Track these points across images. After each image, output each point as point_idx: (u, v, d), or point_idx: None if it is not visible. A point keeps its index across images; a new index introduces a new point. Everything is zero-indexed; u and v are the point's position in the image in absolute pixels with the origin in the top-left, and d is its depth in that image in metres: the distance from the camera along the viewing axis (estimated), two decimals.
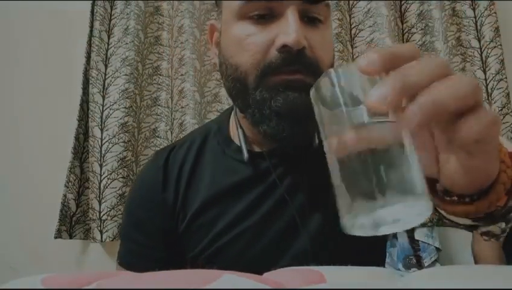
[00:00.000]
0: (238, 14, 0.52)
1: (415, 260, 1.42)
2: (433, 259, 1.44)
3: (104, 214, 1.47)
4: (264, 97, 0.51)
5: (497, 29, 1.53)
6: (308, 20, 0.52)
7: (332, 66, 0.56)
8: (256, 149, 0.61)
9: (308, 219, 0.58)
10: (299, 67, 0.50)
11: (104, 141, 1.51)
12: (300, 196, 0.59)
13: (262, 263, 0.59)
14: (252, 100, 0.52)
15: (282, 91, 0.50)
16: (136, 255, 0.66)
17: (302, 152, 0.58)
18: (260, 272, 0.52)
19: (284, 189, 0.58)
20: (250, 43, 0.51)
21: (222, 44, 0.57)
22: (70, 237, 1.51)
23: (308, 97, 0.44)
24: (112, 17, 1.63)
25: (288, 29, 0.48)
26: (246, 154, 0.58)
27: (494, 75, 1.51)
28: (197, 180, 0.62)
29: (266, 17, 0.51)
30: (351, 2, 1.65)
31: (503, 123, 1.47)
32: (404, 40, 1.63)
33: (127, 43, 1.59)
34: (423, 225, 1.48)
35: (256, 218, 0.58)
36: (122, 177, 1.49)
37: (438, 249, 1.46)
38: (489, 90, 1.51)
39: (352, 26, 1.63)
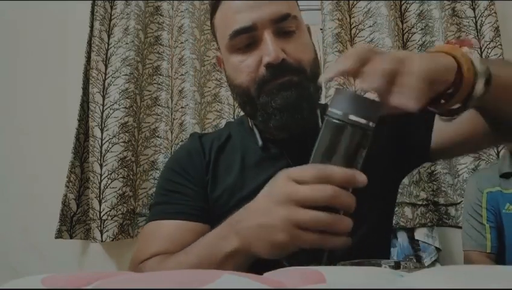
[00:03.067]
0: (228, 49, 0.68)
1: (415, 260, 1.42)
2: (433, 259, 1.44)
3: (104, 214, 1.47)
4: (266, 100, 0.66)
5: (497, 29, 1.53)
6: (284, 33, 0.66)
7: (314, 61, 0.69)
8: (271, 137, 0.73)
9: None
10: (284, 73, 0.64)
11: (104, 141, 1.52)
12: None
13: None
14: (258, 105, 0.67)
15: (278, 93, 0.65)
16: (180, 205, 0.71)
17: (308, 133, 0.69)
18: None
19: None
20: (244, 66, 0.67)
21: (226, 71, 0.73)
22: (71, 237, 1.51)
23: (297, 91, 0.64)
24: (112, 17, 1.64)
25: (268, 51, 0.63)
26: (260, 142, 0.72)
27: None
28: (224, 160, 0.74)
29: (251, 45, 0.66)
30: (351, 2, 1.65)
31: None
32: (404, 40, 1.63)
33: (127, 43, 1.59)
34: (423, 225, 1.49)
35: None
36: (122, 177, 1.49)
37: (438, 249, 1.46)
38: None
39: (352, 26, 1.63)
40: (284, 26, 0.65)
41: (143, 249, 0.68)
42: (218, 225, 0.67)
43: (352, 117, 0.42)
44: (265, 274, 0.30)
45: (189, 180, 0.72)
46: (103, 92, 1.57)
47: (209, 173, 0.72)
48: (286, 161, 0.69)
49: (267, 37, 0.64)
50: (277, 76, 0.64)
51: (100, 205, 1.48)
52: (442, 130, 0.68)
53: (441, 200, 1.53)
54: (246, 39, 0.65)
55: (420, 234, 1.48)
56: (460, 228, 1.43)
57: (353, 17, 1.64)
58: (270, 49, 0.63)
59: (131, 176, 1.53)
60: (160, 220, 0.70)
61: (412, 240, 1.48)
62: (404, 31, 1.64)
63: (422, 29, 1.62)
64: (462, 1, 1.58)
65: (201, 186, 0.72)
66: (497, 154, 1.48)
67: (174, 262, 0.61)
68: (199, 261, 0.56)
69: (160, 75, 1.66)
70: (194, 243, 0.60)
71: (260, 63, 0.65)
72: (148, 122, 1.62)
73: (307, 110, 0.66)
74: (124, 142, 1.52)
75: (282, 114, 0.65)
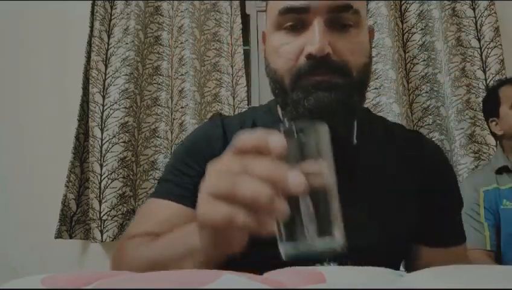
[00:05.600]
0: (275, 25, 0.60)
1: None
2: None
3: (104, 214, 1.47)
4: (299, 97, 0.58)
5: (497, 29, 1.53)
6: (339, 26, 0.58)
7: (365, 67, 0.60)
8: None
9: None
10: (326, 70, 0.56)
11: (104, 141, 1.52)
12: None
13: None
14: (289, 100, 0.59)
15: (314, 92, 0.56)
16: (187, 189, 0.64)
17: (340, 148, 0.63)
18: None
19: None
20: (283, 51, 0.59)
21: (266, 50, 0.66)
22: (71, 237, 1.51)
23: (337, 95, 0.55)
24: (112, 17, 1.64)
25: (313, 40, 0.55)
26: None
27: (494, 75, 1.51)
28: None
29: (297, 27, 0.58)
30: None
31: None
32: (404, 40, 1.63)
33: (127, 43, 1.59)
34: None
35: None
36: (122, 177, 1.49)
37: None
38: None
39: None
40: (340, 18, 0.57)
41: (138, 224, 0.64)
42: None
43: None
44: (265, 274, 0.30)
45: (202, 166, 0.63)
46: (103, 92, 1.57)
47: None
48: None
49: (316, 24, 0.56)
50: (316, 72, 0.56)
51: (100, 205, 1.47)
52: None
53: None
54: (293, 20, 0.58)
55: None
56: None
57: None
58: (315, 38, 0.55)
59: (131, 176, 1.53)
60: (163, 199, 0.64)
61: None
62: (404, 31, 1.64)
63: (422, 29, 1.62)
64: (462, 1, 1.58)
65: None
66: None
67: (146, 250, 0.56)
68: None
69: (160, 75, 1.66)
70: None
71: (302, 51, 0.57)
72: (148, 122, 1.62)
73: (344, 119, 0.59)
74: (124, 142, 1.52)
75: (313, 117, 0.55)
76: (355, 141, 0.64)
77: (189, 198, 0.62)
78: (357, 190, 0.62)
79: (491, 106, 1.41)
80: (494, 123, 1.40)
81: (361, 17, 0.60)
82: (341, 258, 0.57)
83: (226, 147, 0.64)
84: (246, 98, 1.59)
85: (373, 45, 1.58)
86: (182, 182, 0.65)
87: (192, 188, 0.63)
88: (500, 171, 1.34)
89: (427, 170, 0.66)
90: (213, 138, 0.67)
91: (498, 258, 1.30)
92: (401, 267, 0.72)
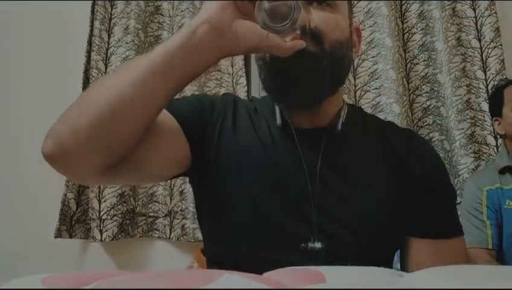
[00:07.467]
0: None
1: None
2: None
3: (103, 214, 1.47)
4: (262, 56, 0.63)
5: (497, 30, 1.53)
6: (316, 4, 0.62)
7: (341, 44, 0.64)
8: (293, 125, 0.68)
9: (318, 189, 0.63)
10: (301, 37, 0.56)
11: None
12: (315, 171, 0.65)
13: (270, 222, 0.62)
14: (265, 63, 0.63)
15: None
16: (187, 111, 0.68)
17: (325, 132, 0.67)
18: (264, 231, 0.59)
19: (304, 159, 0.65)
20: None
21: None
22: (70, 237, 1.51)
23: (304, 62, 0.57)
24: (112, 17, 1.64)
25: None
26: (279, 121, 0.67)
27: (494, 75, 1.51)
28: (246, 129, 0.69)
29: None
30: (351, 2, 1.65)
31: None
32: (404, 40, 1.63)
33: (127, 43, 1.59)
34: None
35: (274, 174, 0.65)
36: None
37: None
38: (490, 90, 1.51)
39: None
40: (318, 1, 0.62)
41: None
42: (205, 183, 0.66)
43: None
44: (265, 274, 0.30)
45: (205, 115, 0.68)
46: None
47: (215, 137, 0.67)
48: (297, 150, 0.65)
49: None
50: None
51: (100, 205, 1.48)
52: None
53: None
54: None
55: None
56: None
57: (353, 17, 1.63)
58: None
59: None
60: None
61: None
62: (405, 31, 1.64)
63: (422, 29, 1.62)
64: (462, 1, 1.58)
65: (202, 123, 0.67)
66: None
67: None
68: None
69: None
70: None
71: None
72: None
73: (311, 89, 0.61)
74: None
75: (282, 79, 0.60)
76: (339, 127, 0.66)
77: (183, 117, 0.64)
78: (340, 178, 0.65)
79: (495, 105, 1.40)
80: (497, 123, 1.39)
81: (337, 4, 0.65)
82: (323, 239, 0.60)
83: (233, 119, 0.68)
84: (246, 98, 1.59)
85: (373, 45, 1.59)
86: (186, 106, 0.67)
87: (190, 115, 0.66)
88: (503, 171, 1.34)
89: (418, 165, 0.67)
90: (216, 106, 0.70)
91: (500, 257, 1.29)
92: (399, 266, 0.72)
